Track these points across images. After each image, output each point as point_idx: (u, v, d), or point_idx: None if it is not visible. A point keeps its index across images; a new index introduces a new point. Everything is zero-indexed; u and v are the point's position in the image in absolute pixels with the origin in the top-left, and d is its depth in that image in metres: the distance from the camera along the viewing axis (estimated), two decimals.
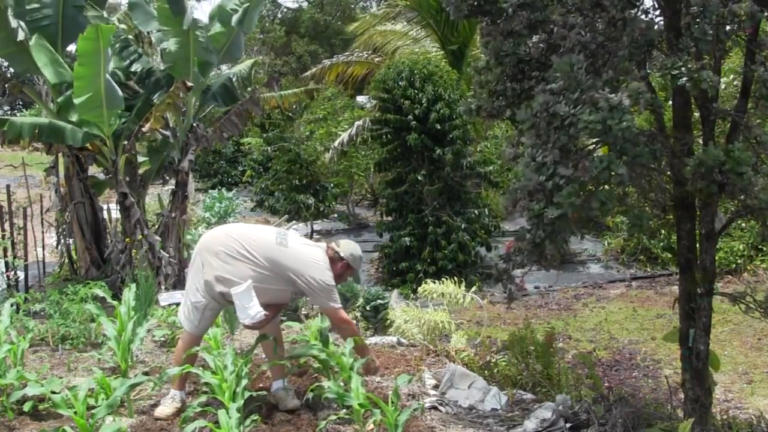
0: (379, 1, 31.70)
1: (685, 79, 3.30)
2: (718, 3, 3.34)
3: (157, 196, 11.53)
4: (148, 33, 8.95)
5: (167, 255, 8.22)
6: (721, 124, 4.41)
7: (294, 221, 15.31)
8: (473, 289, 7.15)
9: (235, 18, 8.24)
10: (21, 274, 7.92)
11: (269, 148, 16.84)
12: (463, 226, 11.56)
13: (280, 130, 15.93)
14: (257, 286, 4.12)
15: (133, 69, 8.53)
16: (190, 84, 7.76)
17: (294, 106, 10.95)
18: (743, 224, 11.01)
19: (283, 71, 29.37)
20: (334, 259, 4.37)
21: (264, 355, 4.78)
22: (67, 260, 8.72)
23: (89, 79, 7.14)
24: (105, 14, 8.65)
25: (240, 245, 4.20)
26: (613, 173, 3.37)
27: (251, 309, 4.06)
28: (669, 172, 4.09)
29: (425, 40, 16.91)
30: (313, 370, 5.02)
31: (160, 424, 4.19)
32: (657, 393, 6.31)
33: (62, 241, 8.75)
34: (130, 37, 8.98)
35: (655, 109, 4.14)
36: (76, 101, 7.29)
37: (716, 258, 4.64)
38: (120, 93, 7.58)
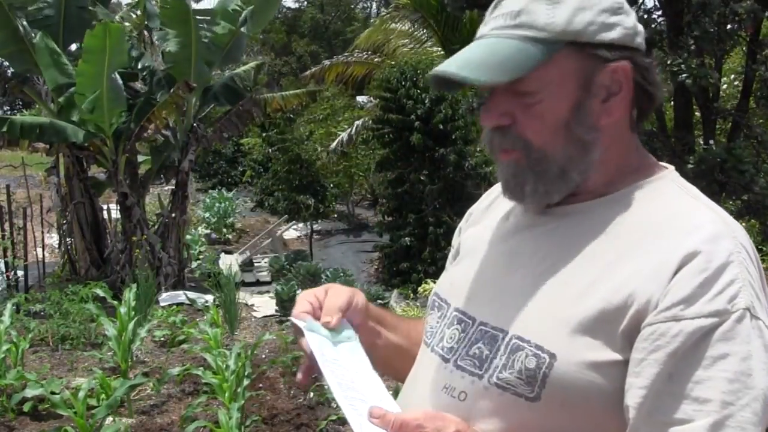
0: (379, 4, 31.70)
1: (685, 75, 3.29)
2: (719, 2, 3.33)
3: (157, 196, 11.52)
4: (149, 32, 8.93)
5: (167, 255, 8.22)
6: (722, 124, 4.40)
7: (294, 221, 15.31)
8: None
9: (241, 20, 8.18)
10: (21, 274, 7.91)
11: (270, 149, 16.83)
12: None
13: (279, 131, 15.91)
14: None
15: (135, 68, 8.51)
16: (192, 84, 7.71)
17: (295, 107, 10.91)
18: (743, 224, 10.99)
19: (283, 71, 29.40)
20: None
21: (264, 355, 4.78)
22: (67, 260, 8.71)
23: (92, 77, 7.10)
24: (109, 12, 8.63)
25: None
26: None
27: None
28: None
29: (427, 41, 16.90)
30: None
31: (160, 424, 4.18)
32: None
33: (63, 241, 8.74)
34: (133, 35, 8.95)
35: (658, 108, 4.13)
36: (78, 99, 7.25)
37: None
38: (123, 93, 7.56)
